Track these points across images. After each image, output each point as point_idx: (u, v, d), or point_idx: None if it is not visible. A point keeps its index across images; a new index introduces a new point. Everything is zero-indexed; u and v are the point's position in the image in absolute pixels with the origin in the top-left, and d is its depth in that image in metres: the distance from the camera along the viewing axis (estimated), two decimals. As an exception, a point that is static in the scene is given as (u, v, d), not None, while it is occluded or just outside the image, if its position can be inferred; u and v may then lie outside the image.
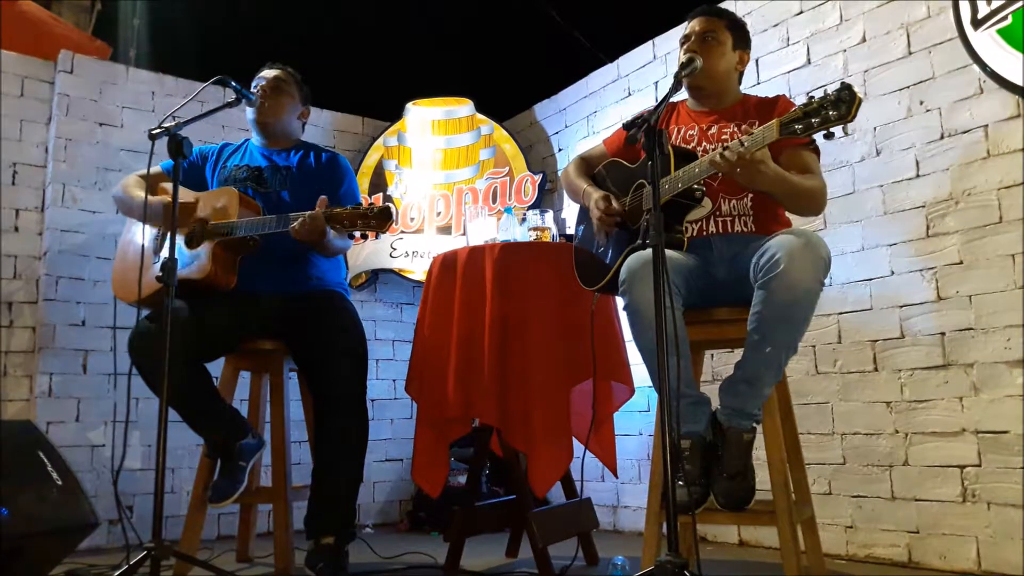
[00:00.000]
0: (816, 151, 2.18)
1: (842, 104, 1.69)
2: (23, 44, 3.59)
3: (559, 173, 4.23)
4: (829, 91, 1.72)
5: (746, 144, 1.85)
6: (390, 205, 2.34)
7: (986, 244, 2.47)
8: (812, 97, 1.74)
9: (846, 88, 1.69)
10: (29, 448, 2.44)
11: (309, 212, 2.36)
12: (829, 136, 1.73)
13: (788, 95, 3.05)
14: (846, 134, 1.75)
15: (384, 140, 4.35)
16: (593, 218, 2.26)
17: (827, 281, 1.93)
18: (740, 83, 2.38)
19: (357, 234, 2.44)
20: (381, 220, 2.31)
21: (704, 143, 2.23)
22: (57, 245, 3.46)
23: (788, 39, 3.14)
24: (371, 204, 2.34)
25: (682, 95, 2.38)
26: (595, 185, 2.37)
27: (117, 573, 1.91)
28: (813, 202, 2.10)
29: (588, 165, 2.47)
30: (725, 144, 1.93)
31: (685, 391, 1.98)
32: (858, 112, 1.69)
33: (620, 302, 2.07)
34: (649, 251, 1.92)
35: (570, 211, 3.85)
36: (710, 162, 1.91)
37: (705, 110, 2.33)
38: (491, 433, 2.64)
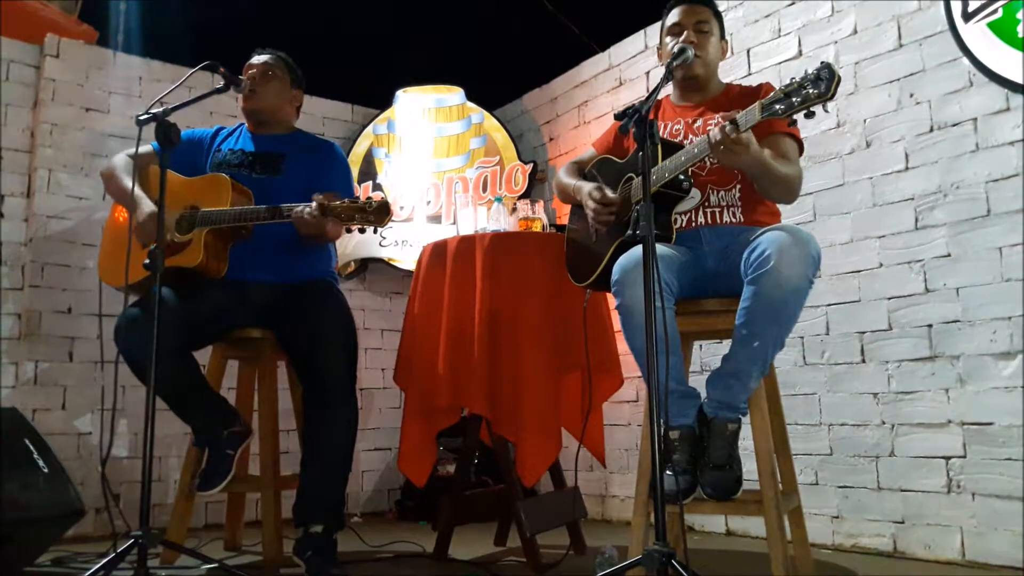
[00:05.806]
0: (798, 142, 2.19)
1: (821, 82, 1.70)
2: (8, 28, 3.54)
3: (549, 163, 4.23)
4: (809, 70, 1.73)
5: (728, 127, 1.85)
6: (383, 195, 2.32)
7: (974, 237, 2.49)
8: (793, 78, 1.75)
9: (825, 67, 1.70)
10: (15, 435, 2.43)
11: (307, 207, 2.33)
12: (810, 115, 1.74)
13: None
14: (826, 112, 1.76)
15: (374, 128, 4.33)
16: (588, 211, 2.22)
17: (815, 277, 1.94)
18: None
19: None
20: (380, 214, 2.29)
21: (691, 136, 2.22)
22: (43, 231, 3.43)
23: (779, 30, 3.14)
24: (369, 198, 2.30)
25: (666, 89, 2.37)
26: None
27: (104, 561, 1.90)
28: (788, 188, 2.10)
29: (579, 167, 2.46)
30: (710, 128, 1.93)
31: (674, 386, 1.98)
32: (837, 90, 1.70)
33: (612, 301, 2.07)
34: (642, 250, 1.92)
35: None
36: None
37: (690, 104, 2.32)
38: (480, 422, 2.64)
